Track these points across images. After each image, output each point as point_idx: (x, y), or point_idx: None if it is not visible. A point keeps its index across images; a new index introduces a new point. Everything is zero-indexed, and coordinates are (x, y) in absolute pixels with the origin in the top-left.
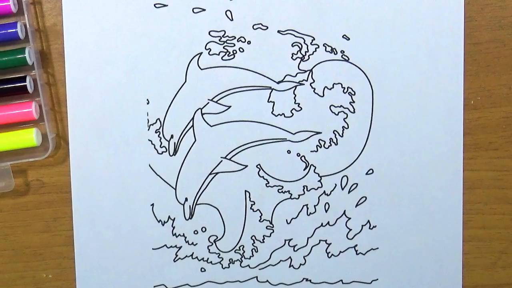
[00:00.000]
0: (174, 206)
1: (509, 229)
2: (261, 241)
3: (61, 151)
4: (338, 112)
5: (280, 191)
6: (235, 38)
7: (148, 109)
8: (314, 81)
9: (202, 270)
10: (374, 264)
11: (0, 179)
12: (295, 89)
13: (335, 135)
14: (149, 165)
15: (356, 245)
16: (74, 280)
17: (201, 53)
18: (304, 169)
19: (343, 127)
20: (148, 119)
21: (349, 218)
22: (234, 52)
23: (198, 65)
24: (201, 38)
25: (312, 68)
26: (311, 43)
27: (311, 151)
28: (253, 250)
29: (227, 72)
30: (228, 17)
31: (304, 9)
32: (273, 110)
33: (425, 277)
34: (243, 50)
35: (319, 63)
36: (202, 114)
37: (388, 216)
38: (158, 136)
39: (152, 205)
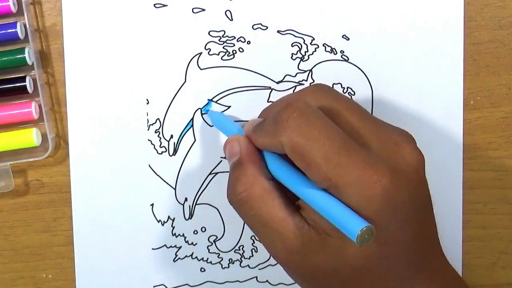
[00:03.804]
0: (174, 206)
1: (509, 229)
2: None
3: (61, 151)
4: None
5: None
6: (234, 38)
7: (147, 109)
8: (313, 81)
9: (202, 270)
10: None
11: (0, 179)
12: (294, 89)
13: None
14: (149, 165)
15: None
16: (74, 280)
17: (200, 53)
18: None
19: None
20: (147, 119)
21: None
22: (234, 52)
23: (198, 65)
24: (200, 38)
25: (312, 68)
26: (310, 43)
27: None
28: (253, 250)
29: (227, 72)
30: (228, 17)
31: (304, 9)
32: None
33: None
34: (243, 50)
35: (318, 63)
36: (202, 114)
37: None
38: (158, 136)
39: (152, 205)
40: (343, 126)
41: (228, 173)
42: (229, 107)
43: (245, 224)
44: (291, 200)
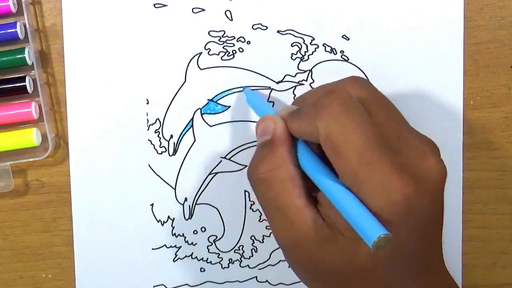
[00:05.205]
0: (173, 206)
1: (509, 229)
2: (261, 241)
3: (60, 151)
4: None
5: None
6: (234, 38)
7: (147, 109)
8: (313, 81)
9: (202, 270)
10: None
11: (0, 179)
12: (294, 89)
13: None
14: (149, 165)
15: None
16: (74, 280)
17: (200, 53)
18: None
19: None
20: (147, 119)
21: None
22: (234, 52)
23: (198, 65)
24: (200, 38)
25: (312, 68)
26: (310, 43)
27: None
28: (253, 250)
29: (227, 72)
30: (227, 17)
31: (304, 9)
32: None
33: None
34: (243, 50)
35: (318, 63)
36: (202, 114)
37: None
38: (158, 136)
39: (152, 205)
40: (377, 123)
41: (228, 173)
42: (229, 107)
43: (245, 224)
44: (310, 193)
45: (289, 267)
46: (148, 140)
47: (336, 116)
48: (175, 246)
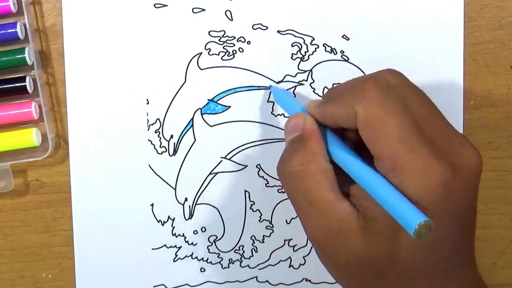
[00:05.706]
0: (173, 206)
1: (509, 229)
2: (261, 241)
3: (60, 151)
4: None
5: (280, 191)
6: (234, 38)
7: (147, 109)
8: (313, 81)
9: (202, 270)
10: None
11: (0, 179)
12: (294, 89)
13: None
14: (149, 165)
15: None
16: (74, 280)
17: (200, 53)
18: None
19: None
20: (147, 119)
21: None
22: (234, 52)
23: (198, 65)
24: (200, 38)
25: (312, 68)
26: (310, 43)
27: None
28: (253, 250)
29: (227, 72)
30: (228, 17)
31: (304, 9)
32: (272, 110)
33: None
34: (243, 50)
35: (318, 63)
36: (202, 114)
37: None
38: (158, 136)
39: (152, 205)
40: (413, 112)
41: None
42: (229, 107)
43: (245, 224)
44: (341, 186)
45: (289, 267)
46: (148, 140)
47: (376, 99)
48: (175, 246)
